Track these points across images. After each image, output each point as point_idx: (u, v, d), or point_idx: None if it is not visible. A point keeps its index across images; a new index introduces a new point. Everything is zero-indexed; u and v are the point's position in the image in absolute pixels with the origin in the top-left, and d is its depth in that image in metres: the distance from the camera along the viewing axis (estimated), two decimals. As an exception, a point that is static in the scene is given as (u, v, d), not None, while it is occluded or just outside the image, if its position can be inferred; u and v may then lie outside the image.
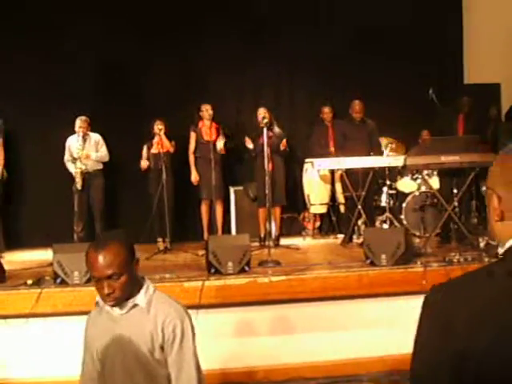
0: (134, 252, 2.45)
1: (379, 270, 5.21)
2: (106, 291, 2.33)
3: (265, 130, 6.51)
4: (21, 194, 8.26)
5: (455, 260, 5.32)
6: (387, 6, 8.50)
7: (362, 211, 7.07)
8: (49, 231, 7.60)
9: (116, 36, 8.11)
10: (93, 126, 7.62)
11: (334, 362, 4.97)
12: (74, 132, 7.50)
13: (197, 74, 8.44)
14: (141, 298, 2.43)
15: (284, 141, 7.63)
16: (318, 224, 8.49)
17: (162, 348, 2.40)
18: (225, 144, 7.76)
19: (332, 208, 8.23)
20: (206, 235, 7.70)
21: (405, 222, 7.37)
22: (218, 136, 7.82)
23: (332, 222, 8.29)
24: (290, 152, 8.10)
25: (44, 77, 8.05)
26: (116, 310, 2.44)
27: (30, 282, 5.05)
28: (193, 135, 7.89)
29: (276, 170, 7.46)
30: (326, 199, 8.15)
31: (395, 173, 7.69)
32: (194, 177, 7.85)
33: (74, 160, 7.30)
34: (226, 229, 8.13)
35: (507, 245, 1.36)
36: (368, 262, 5.41)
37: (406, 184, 7.71)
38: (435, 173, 7.49)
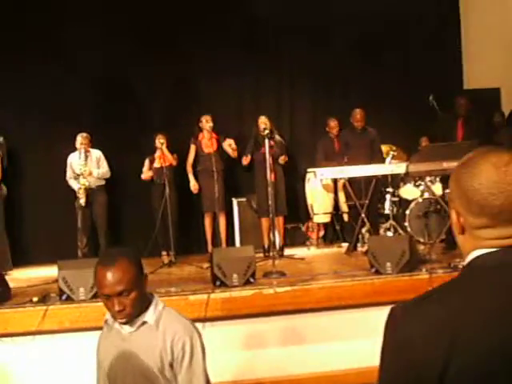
0: (143, 267, 2.43)
1: (385, 279, 5.20)
2: (117, 308, 2.30)
3: (266, 140, 6.52)
4: (24, 210, 8.28)
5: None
6: (386, 13, 8.53)
7: (365, 219, 7.07)
8: (53, 248, 7.62)
9: (116, 51, 8.15)
10: (94, 142, 7.63)
11: (343, 372, 4.95)
12: (74, 148, 7.51)
13: (197, 85, 8.49)
14: (150, 315, 2.41)
15: (283, 156, 7.64)
16: (321, 233, 8.49)
17: (171, 366, 2.37)
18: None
19: (335, 217, 8.23)
20: (210, 247, 7.71)
21: (409, 229, 7.34)
22: (218, 146, 7.84)
23: (336, 230, 8.28)
24: (292, 162, 8.10)
25: (45, 93, 8.08)
26: (125, 328, 2.42)
27: (35, 299, 5.05)
28: (192, 147, 7.91)
29: (278, 179, 7.46)
30: (330, 208, 8.15)
31: (398, 180, 7.69)
32: (193, 185, 7.86)
33: (78, 176, 7.31)
34: (230, 241, 8.13)
35: (468, 259, 1.35)
36: (373, 270, 5.39)
37: (408, 191, 7.70)
38: (438, 179, 7.49)
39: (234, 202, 8.37)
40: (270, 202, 6.51)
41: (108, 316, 2.47)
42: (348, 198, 7.65)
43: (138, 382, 2.40)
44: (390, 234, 7.22)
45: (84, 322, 4.81)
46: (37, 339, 4.79)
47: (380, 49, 8.60)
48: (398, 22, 8.57)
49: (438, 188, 7.42)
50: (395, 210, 7.62)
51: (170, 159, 7.68)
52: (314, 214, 8.15)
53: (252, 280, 5.27)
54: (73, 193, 7.45)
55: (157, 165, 7.71)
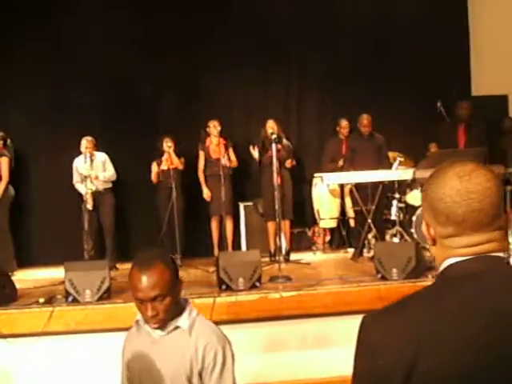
0: (178, 272, 2.38)
1: (390, 285, 5.19)
2: (150, 313, 2.26)
3: (273, 144, 6.53)
4: (31, 212, 8.32)
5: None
6: (393, 19, 8.55)
7: (372, 225, 7.06)
8: (59, 249, 7.63)
9: (123, 53, 8.16)
10: (101, 145, 7.64)
11: (346, 378, 4.93)
12: (80, 153, 7.51)
13: (205, 89, 8.49)
14: (183, 321, 2.36)
15: (289, 160, 7.64)
16: (327, 238, 8.48)
17: (200, 374, 2.33)
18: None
19: (342, 222, 8.22)
20: (216, 251, 7.73)
21: (415, 236, 7.33)
22: (226, 151, 7.85)
23: (342, 236, 8.27)
24: (299, 166, 8.11)
25: (52, 95, 8.13)
26: (156, 332, 2.38)
27: (41, 300, 5.07)
28: (201, 154, 7.93)
29: (284, 183, 7.46)
30: (336, 213, 8.15)
31: (404, 186, 7.67)
32: (206, 193, 7.88)
33: (84, 179, 7.32)
34: (236, 244, 8.14)
35: (440, 269, 1.38)
36: (379, 276, 5.38)
37: (415, 197, 7.68)
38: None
39: (241, 206, 8.38)
40: (276, 207, 6.51)
41: (139, 316, 2.42)
42: (354, 203, 7.64)
43: None
44: (396, 240, 7.21)
45: (90, 323, 4.83)
46: (42, 340, 4.81)
47: (388, 54, 8.60)
48: (407, 28, 8.58)
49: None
50: (401, 216, 7.60)
51: (177, 163, 7.70)
52: (321, 219, 8.15)
53: (258, 284, 5.27)
54: (79, 195, 7.47)
55: (164, 167, 7.73)
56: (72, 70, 8.11)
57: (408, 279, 5.25)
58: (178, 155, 7.75)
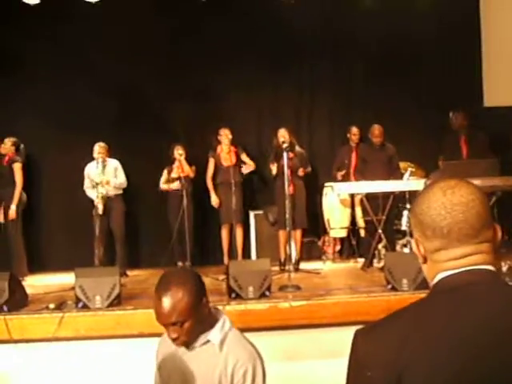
0: (201, 292, 2.30)
1: (401, 295, 5.17)
2: (171, 336, 2.24)
3: (285, 153, 6.54)
4: (42, 217, 8.37)
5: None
6: (406, 30, 8.54)
7: (382, 235, 7.04)
8: (70, 255, 7.67)
9: (135, 61, 8.22)
10: (112, 151, 7.70)
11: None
12: (92, 159, 7.56)
13: (216, 97, 8.52)
14: (214, 335, 2.32)
15: (303, 168, 7.63)
16: (338, 248, 8.46)
17: None
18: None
19: (352, 232, 8.20)
20: (226, 259, 7.74)
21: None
22: (237, 159, 7.87)
23: (352, 246, 8.25)
24: (310, 175, 8.09)
25: (65, 102, 8.18)
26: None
27: (52, 306, 5.09)
28: (211, 161, 7.95)
29: (297, 192, 7.45)
30: (346, 223, 8.14)
31: (415, 197, 7.64)
32: (214, 200, 7.89)
33: (96, 184, 7.36)
34: (246, 253, 8.14)
35: (431, 284, 1.40)
36: (389, 286, 5.36)
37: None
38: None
39: (251, 214, 8.39)
40: (287, 215, 6.51)
41: None
42: (365, 213, 7.63)
43: None
44: (406, 250, 7.18)
45: (99, 330, 4.85)
46: (52, 346, 4.83)
47: (399, 65, 8.59)
48: (418, 38, 8.57)
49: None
50: (412, 226, 7.57)
51: (188, 171, 7.72)
52: (331, 229, 8.14)
53: (267, 293, 5.27)
54: (90, 201, 7.50)
55: (175, 175, 7.76)
56: (85, 77, 8.16)
57: (418, 290, 5.22)
58: (190, 163, 7.78)
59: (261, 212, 8.34)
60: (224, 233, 7.97)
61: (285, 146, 6.66)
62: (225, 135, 7.84)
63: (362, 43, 8.73)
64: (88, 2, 7.76)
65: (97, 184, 7.37)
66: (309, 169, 7.82)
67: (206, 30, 8.41)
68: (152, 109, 8.41)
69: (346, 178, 7.97)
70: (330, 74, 8.91)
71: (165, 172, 7.94)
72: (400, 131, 8.39)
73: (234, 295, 5.22)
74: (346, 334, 4.84)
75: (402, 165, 7.81)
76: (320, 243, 8.51)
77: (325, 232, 8.39)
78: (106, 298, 5.05)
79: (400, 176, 7.48)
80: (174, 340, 2.26)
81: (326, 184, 8.06)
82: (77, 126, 8.12)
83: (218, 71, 8.38)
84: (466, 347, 1.25)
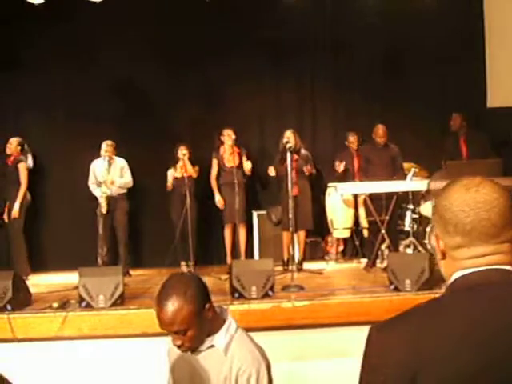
0: (204, 298, 2.27)
1: (403, 296, 5.18)
2: (175, 343, 2.24)
3: (288, 154, 6.55)
4: (46, 217, 8.38)
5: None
6: (409, 30, 8.55)
7: (385, 236, 7.04)
8: (73, 254, 7.67)
9: (140, 62, 8.23)
10: (117, 151, 7.72)
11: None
12: (98, 156, 7.60)
13: (220, 98, 8.53)
14: (219, 339, 2.30)
15: (308, 166, 7.63)
16: (341, 248, 8.47)
17: None
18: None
19: (355, 232, 8.20)
20: (229, 259, 7.74)
21: (429, 247, 7.30)
22: (240, 160, 7.88)
23: (355, 246, 8.25)
24: (313, 176, 8.10)
25: (70, 101, 8.20)
26: None
27: (55, 305, 5.11)
28: (215, 162, 7.95)
29: (301, 193, 7.45)
30: (350, 223, 8.14)
31: (419, 197, 7.65)
32: (219, 200, 7.90)
33: (100, 184, 7.38)
34: (249, 253, 8.14)
35: (448, 282, 1.39)
36: (392, 287, 5.37)
37: (429, 208, 7.64)
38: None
39: (254, 214, 8.39)
40: (290, 216, 6.52)
41: None
42: (368, 213, 7.62)
43: None
44: (409, 251, 7.18)
45: (103, 329, 4.87)
46: (56, 345, 4.85)
47: (403, 66, 8.59)
48: (422, 40, 8.57)
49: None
50: (415, 226, 7.58)
51: (191, 171, 7.73)
52: (334, 229, 8.14)
53: (270, 293, 5.28)
54: (94, 200, 7.52)
55: (178, 175, 7.77)
56: (90, 78, 8.18)
57: (421, 291, 5.24)
58: (193, 163, 7.79)
59: (264, 212, 8.34)
60: (227, 233, 7.97)
61: (288, 145, 6.66)
62: (228, 136, 7.83)
63: (364, 45, 8.71)
64: (92, 2, 7.78)
65: (100, 183, 7.39)
66: (313, 170, 7.82)
67: (210, 36, 8.40)
68: (156, 108, 8.43)
69: (348, 178, 7.97)
70: (333, 75, 8.90)
71: (169, 172, 7.92)
72: (403, 132, 8.38)
73: (237, 295, 5.23)
74: (349, 334, 4.89)
75: (405, 165, 7.81)
76: (323, 243, 8.52)
77: (328, 232, 8.40)
78: (109, 297, 5.07)
79: (403, 176, 7.48)
80: (178, 347, 2.25)
81: (330, 184, 8.06)
82: (81, 125, 8.15)
83: (223, 73, 8.38)
84: (485, 348, 1.25)
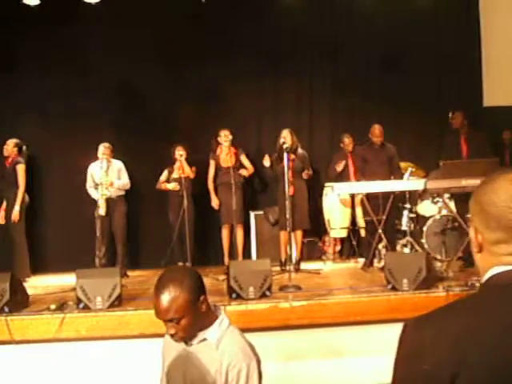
0: (199, 290, 2.34)
1: (401, 295, 5.19)
2: (169, 332, 2.30)
3: (285, 154, 6.55)
4: (43, 218, 8.38)
5: (477, 284, 5.26)
6: (406, 30, 8.57)
7: (382, 235, 7.04)
8: (71, 256, 7.68)
9: (138, 63, 8.23)
10: (114, 153, 7.72)
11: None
12: (96, 158, 7.60)
13: (218, 98, 8.52)
14: (211, 333, 2.36)
15: (307, 171, 7.65)
16: (338, 248, 8.47)
17: None
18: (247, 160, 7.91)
19: (352, 232, 8.21)
20: (226, 260, 7.75)
21: (426, 246, 7.31)
22: (237, 160, 7.88)
23: (352, 246, 8.26)
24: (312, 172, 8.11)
25: (67, 103, 8.19)
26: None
27: (53, 306, 5.10)
28: (212, 163, 7.96)
29: (298, 193, 7.46)
30: (347, 223, 8.15)
31: (415, 196, 7.66)
32: (214, 202, 7.91)
33: (97, 186, 7.38)
34: (246, 253, 8.15)
35: (485, 277, 1.37)
36: (389, 286, 5.37)
37: (426, 208, 7.66)
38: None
39: (252, 215, 8.40)
40: (287, 216, 6.52)
41: None
42: (365, 213, 7.63)
43: None
44: (406, 250, 7.19)
45: (100, 330, 4.86)
46: (53, 346, 4.84)
47: (399, 66, 8.60)
48: (419, 39, 8.59)
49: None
50: (412, 226, 7.58)
51: (188, 171, 7.73)
52: (331, 229, 8.15)
53: (268, 293, 5.29)
54: (92, 202, 7.51)
55: (175, 175, 7.77)
56: (87, 80, 8.18)
57: (418, 290, 5.24)
58: (190, 164, 7.79)
59: (261, 212, 8.36)
60: (224, 233, 7.98)
61: (285, 146, 6.67)
62: (224, 136, 7.85)
63: (362, 45, 8.73)
64: (88, 3, 7.78)
65: (97, 185, 7.39)
66: (310, 171, 7.82)
67: (209, 36, 8.42)
68: (153, 109, 8.43)
69: (344, 179, 7.97)
70: (330, 75, 8.92)
71: (165, 172, 7.94)
72: (400, 132, 8.40)
73: (234, 295, 5.23)
74: (347, 334, 4.89)
75: (402, 165, 7.82)
76: (320, 243, 8.52)
77: (325, 232, 8.40)
78: (106, 298, 5.06)
79: (401, 176, 7.49)
80: (172, 336, 2.32)
81: (326, 184, 8.08)
82: (78, 126, 8.15)
83: (220, 74, 8.38)
84: None
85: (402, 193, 7.33)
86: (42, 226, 8.35)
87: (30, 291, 5.67)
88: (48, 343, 4.82)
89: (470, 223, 1.42)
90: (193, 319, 2.29)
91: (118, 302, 5.14)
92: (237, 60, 8.47)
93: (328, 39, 8.88)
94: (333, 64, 8.88)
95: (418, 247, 7.20)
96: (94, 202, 7.43)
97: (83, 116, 8.16)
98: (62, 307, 5.12)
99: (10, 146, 7.64)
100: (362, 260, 7.67)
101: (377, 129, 7.59)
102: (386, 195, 7.14)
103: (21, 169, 7.52)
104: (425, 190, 6.79)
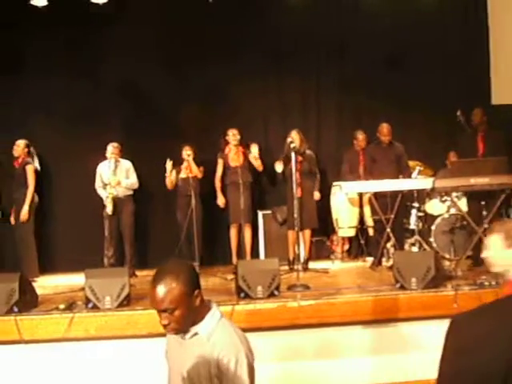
0: (194, 284, 2.40)
1: (410, 294, 5.17)
2: (162, 323, 2.35)
3: (293, 154, 6.54)
4: (52, 218, 8.41)
5: (487, 283, 5.25)
6: (413, 28, 8.55)
7: (391, 234, 7.03)
8: (80, 256, 7.68)
9: (145, 63, 8.25)
10: (123, 153, 7.74)
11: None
12: (104, 158, 7.62)
13: (225, 98, 8.52)
14: (202, 327, 2.42)
15: (317, 193, 7.75)
16: (346, 247, 8.47)
17: (218, 378, 2.36)
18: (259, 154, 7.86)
19: (361, 231, 8.20)
20: (234, 259, 7.76)
21: (434, 245, 7.30)
22: (245, 160, 7.89)
23: (361, 245, 8.25)
24: (319, 175, 8.10)
25: (75, 104, 8.21)
26: (181, 334, 2.47)
27: (62, 306, 5.12)
28: (220, 162, 7.97)
29: (306, 194, 7.44)
30: (355, 222, 8.14)
31: (424, 195, 7.65)
32: (221, 200, 7.92)
33: (105, 185, 7.41)
34: (255, 253, 8.15)
35: None
36: (398, 285, 5.36)
37: (434, 206, 7.66)
38: (464, 195, 7.42)
39: (260, 214, 8.40)
40: (295, 215, 6.52)
41: None
42: (373, 212, 7.62)
43: None
44: (415, 249, 7.18)
45: (109, 330, 4.87)
46: (62, 346, 4.86)
47: (407, 64, 8.59)
48: (426, 37, 8.57)
49: (463, 204, 7.37)
50: (421, 225, 7.57)
51: (196, 171, 7.73)
52: (339, 228, 8.14)
53: (276, 293, 5.28)
54: (101, 202, 7.55)
55: (183, 175, 7.78)
56: (95, 80, 8.22)
57: (427, 289, 5.23)
58: (198, 164, 7.80)
59: (269, 212, 8.35)
60: (232, 233, 7.98)
61: (292, 146, 6.66)
62: (232, 135, 7.86)
63: (369, 42, 8.71)
64: (96, 4, 7.80)
65: (105, 185, 7.41)
66: (317, 176, 7.82)
67: (216, 32, 8.41)
68: (162, 109, 8.43)
69: (364, 178, 7.97)
70: (337, 74, 8.92)
71: (174, 172, 7.91)
72: (407, 130, 8.38)
73: (242, 295, 5.23)
74: (355, 333, 4.87)
75: (410, 163, 7.80)
76: (328, 242, 8.52)
77: (333, 231, 8.40)
78: (115, 298, 5.08)
79: (409, 174, 7.47)
80: (164, 326, 2.37)
81: (335, 183, 8.07)
82: (87, 127, 8.17)
83: (228, 73, 8.38)
84: None
85: (411, 192, 7.32)
86: (50, 225, 8.39)
87: (38, 291, 5.69)
88: (57, 343, 4.84)
89: None
90: (186, 311, 2.34)
91: (126, 302, 5.15)
92: (243, 59, 8.46)
93: (334, 38, 8.88)
94: (339, 63, 8.88)
95: (426, 246, 7.19)
96: (103, 202, 7.46)
97: (91, 116, 8.18)
98: (70, 307, 5.14)
99: (21, 146, 7.69)
100: (370, 259, 7.66)
101: (385, 127, 7.57)
102: (394, 194, 7.12)
103: (30, 169, 7.56)
104: (433, 189, 6.77)
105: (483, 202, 6.67)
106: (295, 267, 6.60)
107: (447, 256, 7.26)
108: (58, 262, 8.26)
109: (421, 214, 7.63)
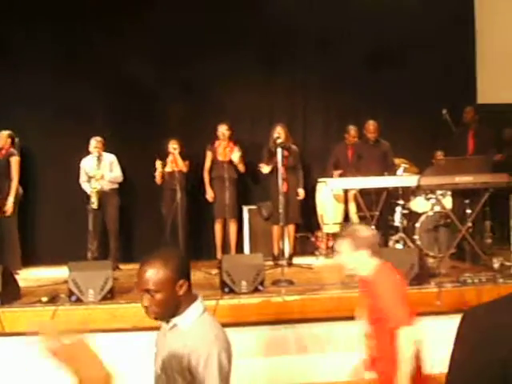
0: (181, 272, 2.40)
1: (393, 291, 5.19)
2: (143, 304, 2.37)
3: (279, 149, 6.54)
4: (36, 211, 8.35)
5: (469, 281, 5.30)
6: (401, 27, 8.58)
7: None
8: (63, 249, 7.64)
9: (131, 56, 8.19)
10: (108, 146, 7.69)
11: (348, 382, 4.94)
12: (88, 152, 7.57)
13: (211, 93, 8.51)
14: (182, 320, 2.42)
15: (300, 191, 7.70)
16: (331, 243, 8.48)
17: (190, 372, 2.35)
18: (241, 158, 7.81)
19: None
20: (219, 254, 7.75)
21: (418, 242, 7.35)
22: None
23: (345, 241, 8.25)
24: (304, 171, 8.11)
25: (60, 97, 8.15)
26: (164, 325, 2.49)
27: (44, 299, 5.10)
28: (209, 154, 7.94)
29: (291, 189, 7.47)
30: (340, 219, 8.16)
31: (409, 193, 7.68)
32: (210, 195, 7.90)
33: (89, 179, 7.37)
34: (239, 247, 8.15)
35: None
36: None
37: (419, 204, 7.70)
38: (449, 193, 7.48)
39: (245, 209, 8.40)
40: (280, 211, 6.52)
41: None
42: (359, 208, 7.65)
43: (160, 376, 2.46)
44: (399, 246, 7.22)
45: (93, 323, 4.85)
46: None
47: (393, 62, 8.60)
48: (413, 36, 8.60)
49: (448, 202, 7.42)
50: (405, 222, 7.62)
51: (181, 165, 7.71)
52: (324, 224, 8.16)
53: (261, 288, 5.30)
54: (85, 195, 7.51)
55: (169, 169, 7.75)
56: (82, 73, 8.14)
57: (411, 286, 5.24)
58: (184, 158, 7.77)
59: (254, 207, 8.35)
60: (217, 227, 7.97)
61: (279, 141, 6.66)
62: (223, 130, 7.84)
63: (356, 40, 8.74)
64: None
65: (90, 178, 7.37)
66: (300, 172, 7.82)
67: (203, 28, 8.39)
68: (148, 103, 8.40)
69: (342, 176, 7.99)
70: (324, 69, 8.91)
71: (158, 163, 7.87)
72: (393, 128, 8.41)
73: (227, 289, 5.24)
74: (338, 329, 4.88)
75: (395, 161, 7.84)
76: (313, 238, 8.53)
77: (318, 227, 8.41)
78: (98, 291, 5.07)
79: (394, 172, 7.51)
80: (145, 309, 2.38)
81: (320, 179, 8.08)
82: (72, 119, 8.11)
83: (214, 68, 8.35)
84: None
85: (395, 189, 7.35)
86: (34, 218, 8.33)
87: (21, 283, 5.66)
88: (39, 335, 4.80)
89: None
90: (168, 297, 2.35)
91: (110, 295, 5.14)
92: (230, 55, 8.38)
93: (321, 35, 8.87)
94: (326, 61, 8.87)
95: (410, 243, 7.23)
96: (87, 195, 7.42)
97: (76, 110, 8.12)
98: (53, 300, 5.12)
99: (3, 137, 7.60)
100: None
101: (371, 125, 7.61)
102: (378, 191, 7.15)
103: (15, 161, 7.47)
104: (418, 187, 6.80)
105: (467, 201, 6.71)
106: (280, 262, 6.61)
107: (431, 253, 7.31)
108: (41, 255, 8.20)
109: (405, 211, 7.67)
